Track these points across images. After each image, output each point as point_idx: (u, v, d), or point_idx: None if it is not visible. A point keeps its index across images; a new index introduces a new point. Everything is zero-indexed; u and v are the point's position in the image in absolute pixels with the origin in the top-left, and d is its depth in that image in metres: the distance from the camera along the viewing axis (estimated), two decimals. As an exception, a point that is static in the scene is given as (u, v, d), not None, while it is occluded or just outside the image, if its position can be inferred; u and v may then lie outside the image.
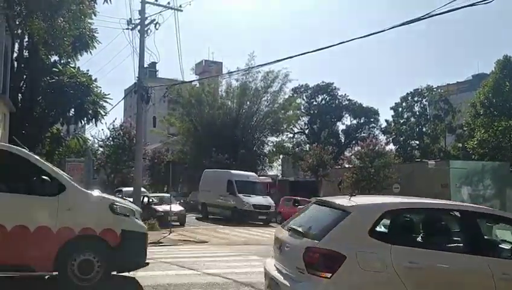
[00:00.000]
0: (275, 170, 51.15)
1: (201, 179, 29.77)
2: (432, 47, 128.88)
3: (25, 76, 22.08)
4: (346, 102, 56.55)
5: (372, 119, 56.07)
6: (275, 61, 18.67)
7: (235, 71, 44.63)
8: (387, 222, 5.08)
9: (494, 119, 35.04)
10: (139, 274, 8.59)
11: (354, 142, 51.50)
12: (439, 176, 23.74)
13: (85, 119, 23.31)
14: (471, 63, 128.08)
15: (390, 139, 50.00)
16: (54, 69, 22.12)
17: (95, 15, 20.10)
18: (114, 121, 25.82)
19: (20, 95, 22.04)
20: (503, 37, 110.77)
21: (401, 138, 47.81)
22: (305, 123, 57.30)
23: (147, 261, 7.64)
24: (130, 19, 21.40)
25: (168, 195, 23.07)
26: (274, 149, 48.80)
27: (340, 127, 57.43)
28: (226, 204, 26.38)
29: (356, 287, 4.31)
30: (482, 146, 34.89)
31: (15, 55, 21.59)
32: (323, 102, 56.86)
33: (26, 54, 22.44)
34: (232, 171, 28.37)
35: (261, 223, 24.69)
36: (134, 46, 21.50)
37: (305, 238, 4.67)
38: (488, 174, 24.73)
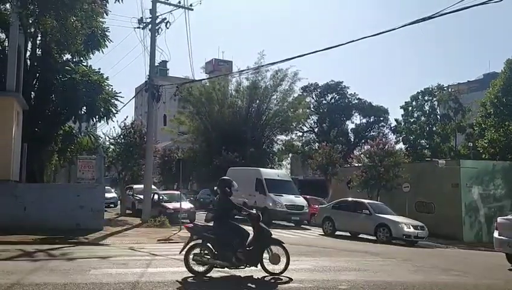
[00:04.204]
0: (284, 168, 51.18)
1: None
2: (444, 46, 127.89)
3: (37, 74, 22.26)
4: (356, 101, 56.37)
5: (381, 118, 55.83)
6: (284, 60, 18.63)
7: (244, 70, 44.76)
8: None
9: (504, 119, 34.76)
10: (149, 270, 8.75)
11: (363, 141, 51.30)
12: (450, 176, 23.57)
13: (97, 117, 23.47)
14: (483, 62, 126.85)
15: (400, 138, 49.85)
16: (66, 67, 22.29)
17: (106, 14, 20.25)
18: (125, 119, 25.86)
19: (33, 93, 22.23)
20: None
21: (411, 137, 47.53)
22: (314, 122, 57.24)
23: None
24: (141, 17, 21.66)
25: (178, 192, 23.23)
26: (283, 148, 48.83)
27: (350, 126, 57.37)
28: (255, 204, 24.19)
29: None
30: (493, 146, 34.64)
31: (28, 53, 21.79)
32: (332, 101, 56.73)
33: (39, 52, 22.65)
34: (261, 169, 27.00)
35: (293, 224, 23.38)
36: (145, 45, 21.78)
37: None
38: (498, 173, 24.51)
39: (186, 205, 23.27)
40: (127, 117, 26.83)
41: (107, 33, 23.49)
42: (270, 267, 8.31)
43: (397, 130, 51.29)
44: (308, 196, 27.00)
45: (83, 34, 17.27)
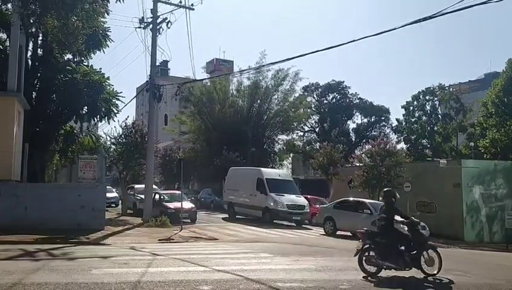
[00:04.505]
0: (285, 168, 51.20)
1: (226, 177, 28.47)
2: (444, 46, 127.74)
3: (39, 74, 22.30)
4: (357, 100, 56.34)
5: (383, 118, 55.79)
6: (285, 60, 18.62)
7: (246, 70, 44.80)
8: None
9: (506, 118, 34.70)
10: (150, 270, 8.74)
11: (364, 140, 51.26)
12: (451, 175, 23.53)
13: (98, 117, 23.51)
14: (484, 61, 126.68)
15: (401, 137, 49.78)
16: (67, 67, 22.34)
17: (107, 14, 20.29)
18: (126, 119, 25.89)
19: (34, 93, 22.26)
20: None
21: (412, 137, 47.46)
22: (315, 121, 57.21)
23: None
24: (143, 17, 21.66)
25: (179, 192, 23.23)
26: (284, 147, 48.84)
27: (351, 125, 57.30)
28: (256, 204, 24.74)
29: None
30: (494, 145, 34.58)
31: (29, 53, 21.83)
32: (333, 100, 56.70)
33: (40, 52, 22.69)
34: (262, 169, 27.03)
35: (294, 224, 23.44)
36: (146, 45, 21.74)
37: None
38: (500, 173, 24.47)
39: (187, 204, 23.29)
40: (128, 117, 26.86)
41: (108, 33, 23.55)
42: (426, 268, 9.28)
43: (398, 130, 51.24)
44: (309, 196, 27.00)
45: (84, 34, 17.28)
